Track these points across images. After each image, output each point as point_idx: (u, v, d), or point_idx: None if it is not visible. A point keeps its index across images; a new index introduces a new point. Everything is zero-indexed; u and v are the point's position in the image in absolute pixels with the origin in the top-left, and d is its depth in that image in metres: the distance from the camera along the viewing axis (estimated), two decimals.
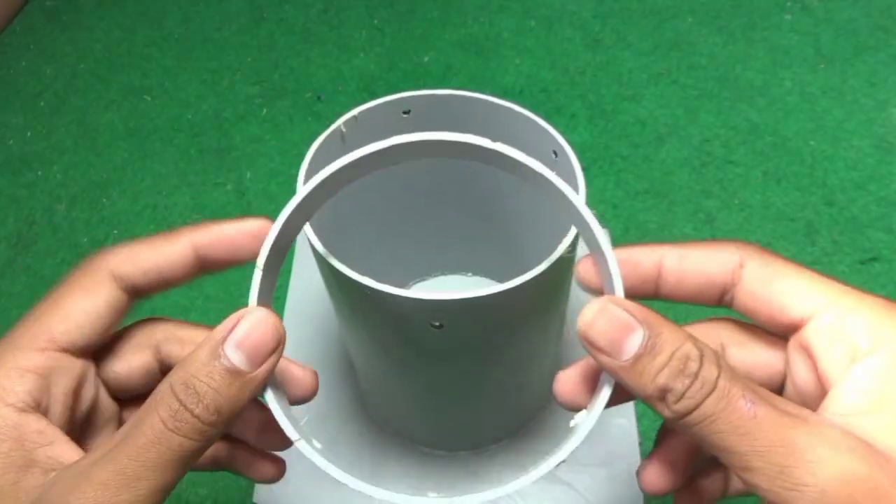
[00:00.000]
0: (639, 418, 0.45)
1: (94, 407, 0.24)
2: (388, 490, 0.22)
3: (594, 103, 0.63)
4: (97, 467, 0.19)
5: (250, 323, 0.21)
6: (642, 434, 0.45)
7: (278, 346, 0.21)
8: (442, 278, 0.50)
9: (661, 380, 0.20)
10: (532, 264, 0.27)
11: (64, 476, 0.20)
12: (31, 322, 0.23)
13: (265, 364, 0.21)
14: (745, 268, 0.23)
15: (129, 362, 0.25)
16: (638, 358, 0.20)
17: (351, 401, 0.46)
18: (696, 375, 0.19)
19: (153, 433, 0.20)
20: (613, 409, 0.46)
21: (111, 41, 0.72)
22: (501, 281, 0.27)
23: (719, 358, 0.20)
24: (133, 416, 0.20)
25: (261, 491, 0.43)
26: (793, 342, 0.23)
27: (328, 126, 0.33)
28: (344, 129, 0.34)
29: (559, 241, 0.29)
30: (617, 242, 0.53)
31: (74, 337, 0.23)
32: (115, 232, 0.57)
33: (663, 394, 0.20)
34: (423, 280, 0.50)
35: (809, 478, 0.18)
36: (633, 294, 0.23)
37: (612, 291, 0.22)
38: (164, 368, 0.25)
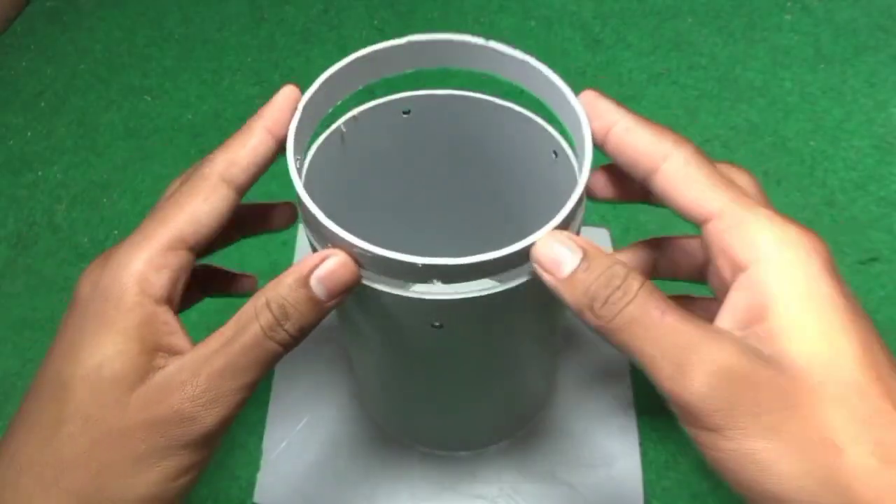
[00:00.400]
0: (639, 418, 0.45)
1: None
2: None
3: None
4: (215, 357, 0.24)
5: (334, 263, 0.25)
6: (642, 434, 0.45)
7: (354, 285, 0.26)
8: None
9: (591, 289, 0.23)
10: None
11: (187, 361, 0.24)
12: (160, 223, 0.26)
13: (339, 297, 0.26)
14: (669, 160, 0.26)
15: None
16: (572, 273, 0.24)
17: (350, 400, 0.46)
18: (619, 287, 0.23)
19: (256, 338, 0.24)
20: (613, 409, 0.46)
21: (111, 41, 0.72)
22: (501, 281, 0.27)
23: (642, 277, 0.23)
24: (231, 322, 0.25)
25: (261, 491, 0.43)
26: (702, 237, 0.26)
27: (328, 126, 0.33)
28: (344, 129, 0.34)
29: None
30: (617, 243, 0.53)
31: (200, 238, 0.26)
32: (116, 232, 0.57)
33: (591, 302, 0.23)
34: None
35: (699, 373, 0.22)
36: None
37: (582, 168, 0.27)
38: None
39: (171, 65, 0.69)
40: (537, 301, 0.30)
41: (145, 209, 0.58)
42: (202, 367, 0.24)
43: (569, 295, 0.24)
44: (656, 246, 0.34)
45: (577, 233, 0.29)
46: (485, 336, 0.31)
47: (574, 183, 0.27)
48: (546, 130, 0.33)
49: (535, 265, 0.25)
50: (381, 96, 0.34)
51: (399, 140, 0.36)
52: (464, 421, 0.41)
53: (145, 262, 0.25)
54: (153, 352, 0.24)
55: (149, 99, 0.66)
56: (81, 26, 0.74)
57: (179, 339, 0.25)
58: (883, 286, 0.50)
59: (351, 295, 0.27)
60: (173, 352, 0.25)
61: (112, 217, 0.58)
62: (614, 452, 0.43)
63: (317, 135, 0.33)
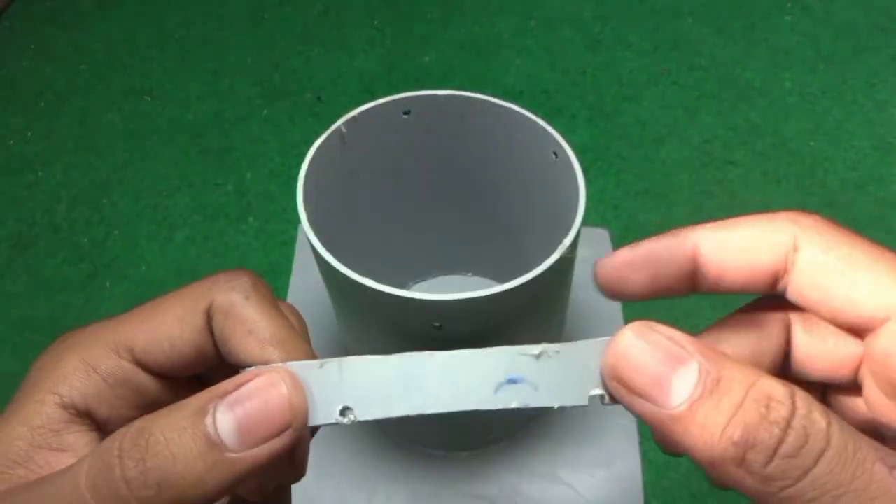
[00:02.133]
0: (639, 418, 0.45)
1: None
2: None
3: (594, 104, 0.63)
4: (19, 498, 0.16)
5: (264, 389, 0.16)
6: (642, 434, 0.45)
7: (286, 428, 0.16)
8: (442, 279, 0.50)
9: (737, 432, 0.14)
10: (532, 264, 0.27)
11: (14, 490, 0.17)
12: (120, 321, 0.20)
13: (258, 448, 0.15)
14: (801, 251, 0.18)
15: (174, 329, 0.19)
16: (694, 402, 0.15)
17: None
18: (788, 423, 0.14)
19: (70, 482, 0.15)
20: (613, 409, 0.46)
21: (112, 42, 0.72)
22: (501, 281, 0.27)
23: (817, 403, 0.14)
24: (95, 450, 0.16)
25: None
26: (866, 345, 0.17)
27: (328, 127, 0.33)
28: (344, 130, 0.34)
29: (559, 242, 0.29)
30: (617, 243, 0.53)
31: (154, 357, 0.19)
32: (116, 232, 0.57)
33: (742, 452, 0.14)
34: (423, 280, 0.50)
35: None
36: (667, 295, 0.19)
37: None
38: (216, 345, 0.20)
39: (172, 65, 0.69)
40: (537, 301, 0.30)
41: (145, 209, 0.59)
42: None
43: (693, 440, 0.15)
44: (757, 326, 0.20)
45: (577, 238, 0.29)
46: (485, 337, 0.31)
47: (574, 183, 0.27)
48: (546, 131, 0.33)
49: (616, 386, 0.16)
50: (381, 97, 0.34)
51: (399, 140, 0.36)
52: (464, 421, 0.41)
53: (76, 361, 0.19)
54: (13, 465, 0.17)
55: (149, 99, 0.66)
56: (82, 26, 0.74)
57: (65, 461, 0.18)
58: None
59: (351, 296, 0.27)
60: (44, 472, 0.17)
61: (112, 217, 0.58)
62: (614, 452, 0.43)
63: (317, 134, 0.33)
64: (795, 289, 0.18)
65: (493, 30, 0.70)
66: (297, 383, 0.17)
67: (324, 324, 0.48)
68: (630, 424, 0.44)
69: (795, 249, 0.18)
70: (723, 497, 0.42)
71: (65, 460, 0.17)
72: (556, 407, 0.17)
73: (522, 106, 0.34)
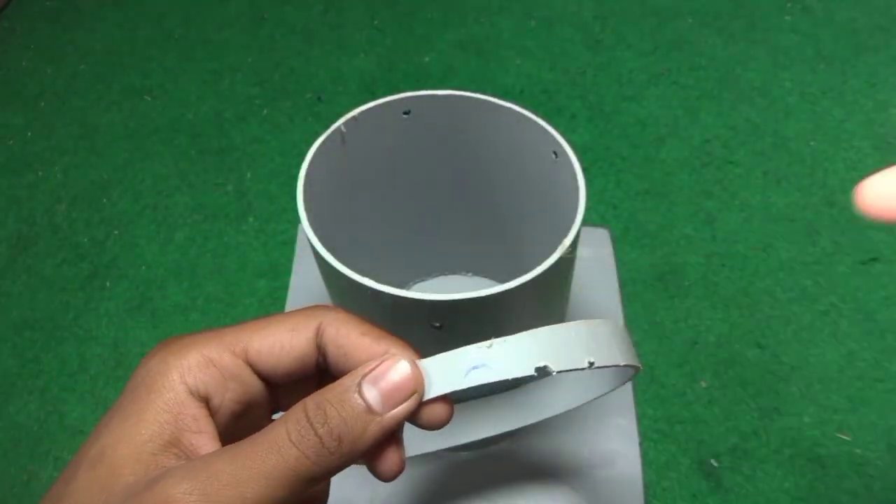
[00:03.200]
0: (639, 418, 0.45)
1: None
2: None
3: (594, 104, 0.63)
4: (216, 460, 0.20)
5: (392, 366, 0.22)
6: (642, 434, 0.45)
7: (411, 395, 0.22)
8: (442, 279, 0.50)
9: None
10: (532, 264, 0.27)
11: (190, 469, 0.20)
12: (237, 328, 0.23)
13: (395, 409, 0.21)
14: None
15: (285, 340, 0.23)
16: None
17: None
18: None
19: (275, 442, 0.20)
20: (613, 409, 0.46)
21: (112, 42, 0.72)
22: (501, 281, 0.27)
23: None
24: (261, 431, 0.21)
25: None
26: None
27: (328, 126, 0.33)
28: (344, 130, 0.34)
29: (559, 241, 0.29)
30: (617, 243, 0.53)
31: (264, 358, 0.23)
32: (116, 232, 0.57)
33: None
34: (424, 280, 0.50)
35: None
36: None
37: None
38: (322, 361, 0.24)
39: (172, 65, 0.69)
40: (537, 301, 0.30)
41: (145, 209, 0.59)
42: (197, 468, 0.20)
43: None
44: None
45: (577, 238, 0.29)
46: (485, 336, 0.31)
47: (574, 183, 0.27)
48: (546, 131, 0.33)
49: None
50: (381, 97, 0.34)
51: (399, 140, 0.36)
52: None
53: (198, 355, 0.22)
54: (167, 447, 0.21)
55: (149, 99, 0.66)
56: (82, 26, 0.74)
57: (204, 442, 0.21)
58: (883, 286, 0.50)
59: (352, 296, 0.27)
60: (191, 452, 0.21)
61: (112, 217, 0.58)
62: (614, 452, 0.43)
63: (317, 134, 0.33)
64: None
65: (493, 30, 0.70)
66: (414, 363, 0.22)
67: None
68: (630, 424, 0.44)
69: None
70: (723, 497, 0.43)
71: (204, 441, 0.21)
72: (510, 378, 0.22)
73: (522, 106, 0.34)
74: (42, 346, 0.51)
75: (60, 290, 0.53)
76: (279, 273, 0.53)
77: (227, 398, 0.22)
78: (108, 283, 0.53)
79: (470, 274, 0.49)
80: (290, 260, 0.53)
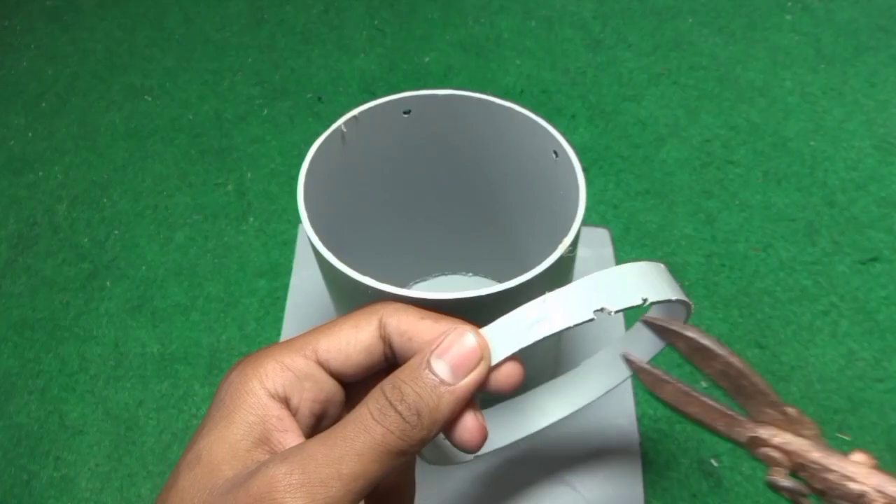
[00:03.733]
0: (639, 419, 0.45)
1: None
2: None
3: (594, 104, 0.63)
4: (310, 443, 0.22)
5: (455, 338, 0.23)
6: (642, 434, 0.45)
7: (481, 359, 0.23)
8: (442, 278, 0.50)
9: None
10: (532, 264, 0.27)
11: (288, 454, 0.22)
12: (305, 334, 0.25)
13: (466, 378, 0.23)
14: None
15: (352, 337, 0.25)
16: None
17: None
18: None
19: (361, 422, 0.22)
20: (613, 409, 0.46)
21: (112, 42, 0.72)
22: (501, 281, 0.27)
23: None
24: (347, 416, 0.22)
25: None
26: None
27: (329, 126, 0.33)
28: (344, 129, 0.34)
29: (559, 241, 0.29)
30: (617, 243, 0.53)
31: (333, 356, 0.25)
32: (116, 232, 0.57)
33: None
34: (424, 280, 0.50)
35: None
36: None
37: None
38: (388, 353, 0.25)
39: (172, 65, 0.69)
40: None
41: (145, 209, 0.59)
42: (293, 453, 0.21)
43: None
44: None
45: (577, 238, 0.29)
46: None
47: (574, 183, 0.27)
48: (546, 130, 0.33)
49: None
50: (381, 96, 0.34)
51: (399, 140, 0.36)
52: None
53: (273, 362, 0.24)
54: (259, 444, 0.23)
55: (149, 99, 0.66)
56: (82, 26, 0.74)
57: (292, 438, 0.23)
58: (883, 286, 0.50)
59: (352, 295, 0.27)
60: (279, 449, 0.23)
61: (112, 217, 0.58)
62: (614, 452, 0.43)
63: (318, 134, 0.33)
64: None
65: (493, 30, 0.70)
66: (477, 332, 0.23)
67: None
68: (630, 425, 0.44)
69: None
70: (723, 497, 0.42)
71: (291, 438, 0.23)
72: (571, 326, 0.23)
73: (522, 105, 0.34)
74: (42, 346, 0.51)
75: (60, 290, 0.53)
76: (279, 273, 0.53)
77: (304, 398, 0.24)
78: (108, 283, 0.53)
79: (470, 274, 0.49)
80: (290, 260, 0.53)
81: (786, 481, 0.21)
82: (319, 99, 0.65)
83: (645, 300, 0.23)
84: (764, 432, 0.21)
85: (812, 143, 0.59)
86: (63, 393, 0.48)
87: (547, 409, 0.35)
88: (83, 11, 0.75)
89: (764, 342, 0.48)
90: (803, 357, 0.47)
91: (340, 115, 0.34)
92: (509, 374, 0.24)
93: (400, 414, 0.22)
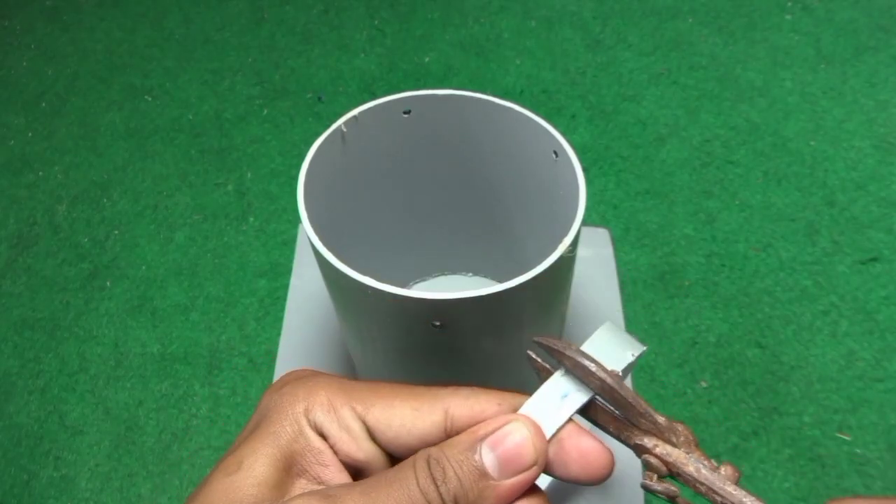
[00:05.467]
0: None
1: None
2: None
3: (595, 104, 0.63)
4: (349, 489, 0.21)
5: (514, 431, 0.21)
6: None
7: (533, 465, 0.21)
8: (442, 278, 0.50)
9: None
10: (532, 264, 0.27)
11: (319, 492, 0.21)
12: (361, 386, 0.24)
13: (515, 477, 0.21)
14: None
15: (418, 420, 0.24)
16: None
17: None
18: None
19: (404, 482, 0.20)
20: None
21: (112, 41, 0.72)
22: (502, 281, 0.27)
23: None
24: (392, 468, 0.21)
25: None
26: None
27: (329, 126, 0.33)
28: (344, 129, 0.34)
29: (559, 241, 0.29)
30: (617, 243, 0.53)
31: (383, 430, 0.23)
32: (116, 232, 0.57)
33: None
34: (424, 280, 0.50)
35: None
36: None
37: None
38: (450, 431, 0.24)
39: (172, 65, 0.69)
40: (537, 300, 0.30)
41: (146, 209, 0.59)
42: (330, 499, 0.20)
43: None
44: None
45: (577, 237, 0.29)
46: (486, 335, 0.31)
47: (574, 183, 0.27)
48: (546, 130, 0.33)
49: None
50: (381, 96, 0.34)
51: (399, 140, 0.36)
52: None
53: (322, 400, 0.23)
54: (295, 476, 0.22)
55: (149, 99, 0.66)
56: (82, 26, 0.74)
57: (333, 475, 0.23)
58: (883, 286, 0.50)
59: (352, 296, 0.27)
60: (317, 482, 0.22)
61: (112, 217, 0.58)
62: (614, 452, 0.43)
63: (318, 134, 0.33)
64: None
65: (493, 30, 0.70)
66: (537, 429, 0.22)
67: (324, 323, 0.48)
68: None
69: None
70: None
71: (331, 473, 0.22)
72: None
73: (522, 105, 0.34)
74: (42, 346, 0.51)
75: (60, 290, 0.53)
76: (279, 273, 0.53)
77: (343, 447, 0.23)
78: (108, 283, 0.53)
79: (470, 274, 0.49)
80: (290, 260, 0.53)
81: (657, 485, 0.22)
82: (319, 99, 0.65)
83: (633, 355, 0.23)
84: (647, 441, 0.23)
85: (812, 143, 0.59)
86: (63, 393, 0.48)
87: None
88: (83, 11, 0.75)
89: (764, 342, 0.48)
90: (803, 357, 0.47)
91: (340, 115, 0.34)
92: (589, 462, 0.22)
93: (440, 495, 0.20)
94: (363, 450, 0.23)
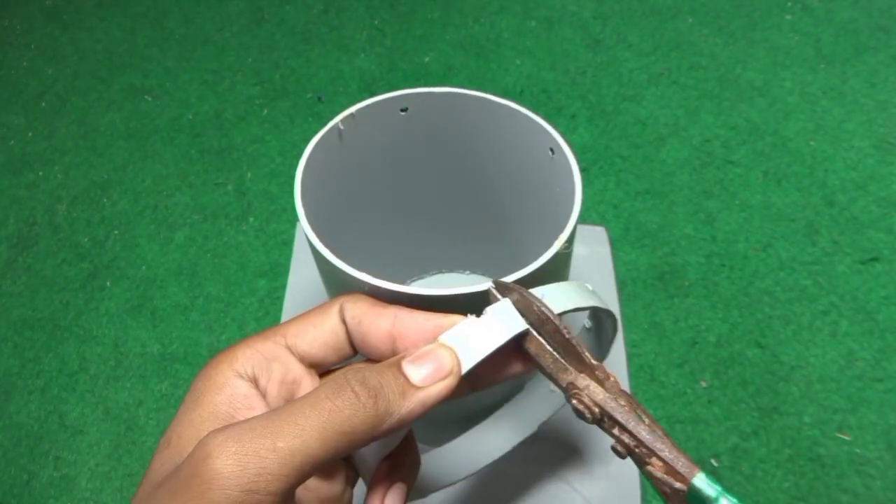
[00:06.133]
0: None
1: None
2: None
3: (595, 104, 0.63)
4: (256, 416, 0.21)
5: (433, 349, 0.23)
6: None
7: (448, 375, 0.23)
8: (440, 276, 0.50)
9: None
10: (529, 261, 0.27)
11: (228, 424, 0.21)
12: (279, 324, 0.26)
13: (435, 385, 0.23)
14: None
15: (318, 327, 0.26)
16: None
17: None
18: None
19: (310, 399, 0.21)
20: None
21: (112, 41, 0.72)
22: (499, 278, 0.27)
23: None
24: (307, 393, 0.22)
25: None
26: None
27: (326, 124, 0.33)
28: (341, 127, 0.34)
29: (556, 238, 0.29)
30: (617, 242, 0.53)
31: (300, 339, 0.26)
32: (116, 232, 0.57)
33: None
34: (421, 278, 0.50)
35: None
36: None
37: None
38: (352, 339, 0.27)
39: (172, 65, 0.69)
40: None
41: (145, 209, 0.59)
42: (240, 433, 0.20)
43: None
44: None
45: (573, 233, 0.29)
46: None
47: (571, 180, 0.27)
48: (543, 128, 0.33)
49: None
50: (379, 93, 0.34)
51: (397, 137, 0.36)
52: (461, 418, 0.41)
53: (243, 346, 0.25)
54: (224, 423, 0.23)
55: (149, 99, 0.67)
56: (82, 26, 0.74)
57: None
58: (883, 286, 0.50)
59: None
60: None
61: (112, 217, 0.58)
62: (614, 452, 0.43)
63: (315, 132, 0.33)
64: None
65: (493, 30, 0.70)
66: (452, 353, 0.24)
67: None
68: None
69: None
70: None
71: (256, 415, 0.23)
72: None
73: (518, 103, 0.34)
74: (42, 346, 0.51)
75: (60, 289, 0.53)
76: (279, 273, 0.53)
77: (272, 379, 0.25)
78: (108, 283, 0.53)
79: (467, 272, 0.49)
80: (289, 259, 0.53)
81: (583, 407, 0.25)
82: (319, 99, 0.65)
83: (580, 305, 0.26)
84: (580, 381, 0.24)
85: (812, 142, 0.59)
86: (63, 393, 0.48)
87: (492, 445, 0.37)
88: (83, 11, 0.75)
89: (764, 342, 0.48)
90: (803, 357, 0.47)
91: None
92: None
93: (355, 393, 0.21)
94: (293, 371, 0.25)
